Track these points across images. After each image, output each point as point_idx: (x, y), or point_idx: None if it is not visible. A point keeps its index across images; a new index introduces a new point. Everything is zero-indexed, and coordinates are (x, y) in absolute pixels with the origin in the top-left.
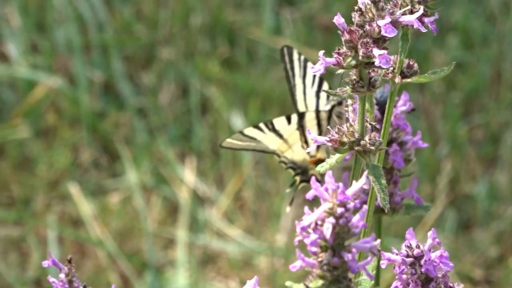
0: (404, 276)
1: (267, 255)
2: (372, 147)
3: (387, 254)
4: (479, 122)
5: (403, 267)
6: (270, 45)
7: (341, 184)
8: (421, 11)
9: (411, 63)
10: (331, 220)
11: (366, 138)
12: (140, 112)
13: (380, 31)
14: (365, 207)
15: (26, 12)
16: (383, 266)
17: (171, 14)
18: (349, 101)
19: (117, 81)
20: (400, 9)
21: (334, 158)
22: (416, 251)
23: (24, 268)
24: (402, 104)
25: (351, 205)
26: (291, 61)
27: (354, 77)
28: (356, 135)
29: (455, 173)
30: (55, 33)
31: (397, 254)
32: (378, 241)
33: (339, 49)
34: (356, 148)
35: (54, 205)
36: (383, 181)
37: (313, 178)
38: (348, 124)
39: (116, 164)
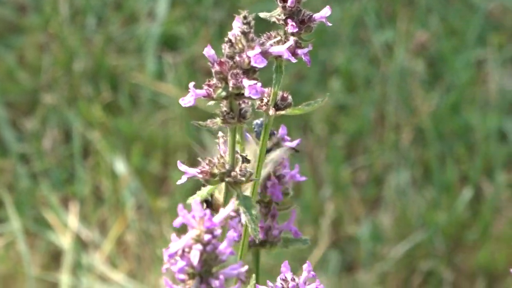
0: None
1: None
2: (243, 178)
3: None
4: (363, 164)
5: None
6: (153, 89)
7: (208, 211)
8: (290, 42)
9: (285, 95)
10: (199, 246)
11: (237, 169)
12: (23, 158)
13: (250, 61)
14: (231, 233)
15: None
16: None
17: (54, 60)
18: (220, 133)
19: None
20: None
21: (205, 189)
22: (291, 284)
23: None
24: (282, 135)
25: (218, 232)
26: None
27: (224, 108)
28: (227, 166)
29: (339, 215)
30: None
31: (272, 287)
32: (246, 267)
33: (209, 81)
34: (227, 179)
35: None
36: (254, 212)
37: (180, 206)
38: (219, 156)
39: None
